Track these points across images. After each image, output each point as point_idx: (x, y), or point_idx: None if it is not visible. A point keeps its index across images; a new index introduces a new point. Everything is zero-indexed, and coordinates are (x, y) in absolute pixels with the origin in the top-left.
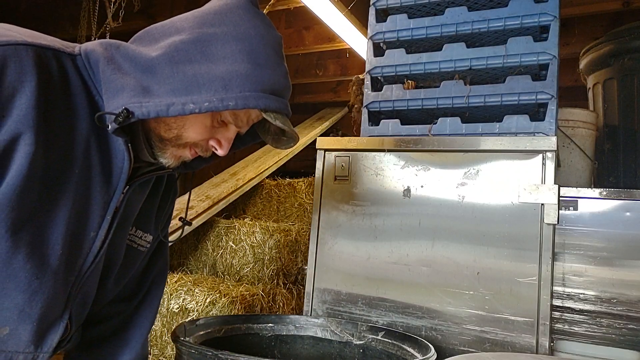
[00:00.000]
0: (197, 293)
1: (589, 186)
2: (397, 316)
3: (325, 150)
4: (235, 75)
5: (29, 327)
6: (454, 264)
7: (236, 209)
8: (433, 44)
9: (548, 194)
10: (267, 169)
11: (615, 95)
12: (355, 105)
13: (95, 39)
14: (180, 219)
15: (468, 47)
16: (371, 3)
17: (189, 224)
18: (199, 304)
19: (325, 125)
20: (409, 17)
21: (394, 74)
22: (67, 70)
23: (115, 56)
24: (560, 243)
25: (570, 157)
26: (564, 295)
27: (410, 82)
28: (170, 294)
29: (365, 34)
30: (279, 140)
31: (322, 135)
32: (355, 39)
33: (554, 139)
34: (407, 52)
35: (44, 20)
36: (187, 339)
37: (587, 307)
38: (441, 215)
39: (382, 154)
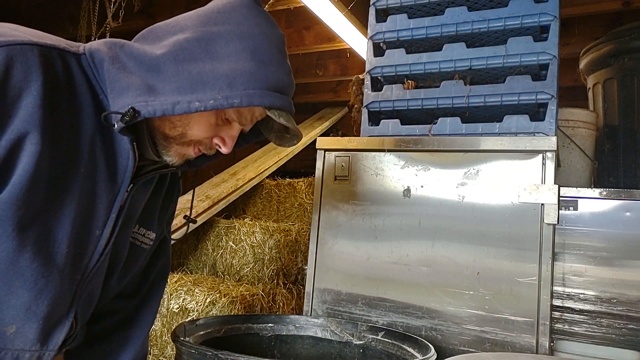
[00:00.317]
0: (197, 293)
1: (589, 186)
2: (397, 316)
3: (325, 150)
4: (240, 73)
5: (35, 326)
6: (454, 264)
7: (236, 209)
8: (433, 44)
9: (548, 194)
10: (267, 169)
11: (615, 95)
12: (355, 105)
13: (95, 39)
14: (185, 217)
15: (468, 47)
16: (371, 3)
17: (194, 221)
18: (199, 304)
19: (325, 125)
20: (409, 17)
21: (394, 74)
22: (72, 69)
23: (120, 55)
24: (560, 243)
25: (570, 157)
26: (564, 295)
27: (410, 82)
28: (170, 294)
29: (365, 34)
30: (282, 137)
31: (322, 135)
32: (355, 39)
33: (554, 139)
34: (407, 52)
35: (44, 20)
36: (187, 339)
37: (587, 307)
38: (441, 215)
39: (382, 154)
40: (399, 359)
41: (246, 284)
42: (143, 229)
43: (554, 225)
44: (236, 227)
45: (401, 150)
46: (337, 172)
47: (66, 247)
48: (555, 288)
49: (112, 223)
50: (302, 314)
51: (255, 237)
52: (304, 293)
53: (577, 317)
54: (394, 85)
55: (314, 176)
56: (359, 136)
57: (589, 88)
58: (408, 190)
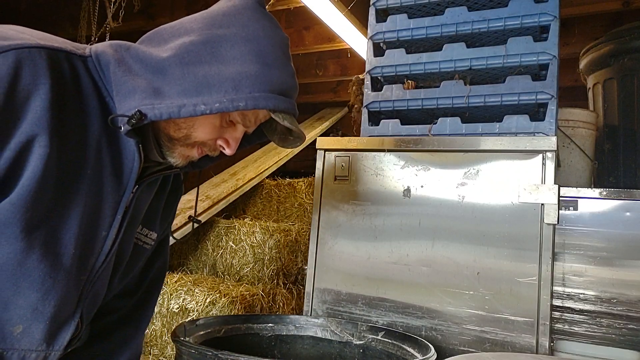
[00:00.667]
0: (197, 293)
1: (589, 186)
2: (397, 316)
3: (325, 150)
4: (245, 76)
5: (42, 326)
6: (454, 264)
7: (236, 209)
8: (433, 44)
9: (548, 194)
10: (267, 169)
11: (615, 95)
12: (355, 105)
13: (95, 39)
14: (190, 217)
15: (468, 47)
16: (371, 3)
17: (199, 222)
18: (199, 304)
19: (325, 125)
20: (409, 17)
21: (394, 74)
22: (78, 72)
23: (126, 57)
24: (560, 243)
25: (570, 157)
26: (564, 295)
27: (410, 82)
28: (170, 294)
29: (365, 34)
30: (285, 139)
31: (322, 135)
32: (355, 39)
33: (554, 139)
34: (407, 52)
35: (44, 20)
36: (187, 339)
37: (587, 307)
38: (441, 215)
39: (382, 154)
40: (399, 359)
41: (246, 284)
42: (146, 230)
43: (554, 225)
44: (236, 227)
45: (401, 150)
46: (337, 172)
47: (73, 248)
48: (555, 288)
49: (117, 224)
50: (302, 314)
51: (255, 237)
52: (304, 293)
53: (577, 317)
54: (394, 85)
55: (314, 176)
56: (359, 136)
57: (589, 88)
58: (408, 190)
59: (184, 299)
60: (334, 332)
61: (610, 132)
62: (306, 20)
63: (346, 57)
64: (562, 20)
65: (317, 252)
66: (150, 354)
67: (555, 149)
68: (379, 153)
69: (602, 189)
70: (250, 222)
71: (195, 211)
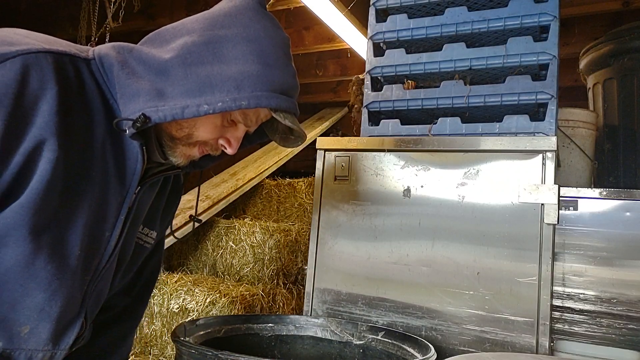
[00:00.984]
0: (197, 293)
1: (589, 186)
2: (397, 316)
3: (325, 150)
4: (247, 76)
5: (48, 326)
6: (454, 264)
7: (236, 209)
8: (433, 44)
9: (548, 194)
10: (267, 169)
11: (615, 95)
12: (355, 105)
13: (95, 39)
14: (190, 216)
15: (468, 47)
16: (371, 3)
17: (199, 221)
18: (199, 304)
19: (325, 125)
20: (409, 17)
21: (394, 74)
22: (83, 75)
23: (129, 60)
24: (560, 243)
25: (570, 157)
26: (564, 295)
27: (410, 82)
28: (170, 294)
29: (365, 34)
30: (286, 139)
31: (322, 135)
32: (355, 39)
33: (554, 139)
34: (407, 52)
35: (44, 20)
36: (187, 339)
37: (587, 307)
38: (441, 215)
39: (382, 154)
40: (399, 359)
41: (246, 284)
42: (147, 229)
43: (554, 225)
44: (236, 227)
45: (401, 150)
46: (337, 172)
47: (79, 250)
48: (555, 288)
49: (120, 225)
50: (302, 314)
51: (255, 237)
52: (304, 293)
53: (577, 317)
54: (394, 85)
55: (314, 176)
56: (359, 136)
57: (589, 88)
58: (408, 190)
59: (184, 299)
60: (334, 332)
61: (610, 132)
62: (306, 20)
63: (346, 57)
64: (562, 20)
65: (317, 252)
66: (150, 354)
67: (555, 149)
68: (379, 153)
69: (602, 189)
70: (250, 222)
71: (196, 211)
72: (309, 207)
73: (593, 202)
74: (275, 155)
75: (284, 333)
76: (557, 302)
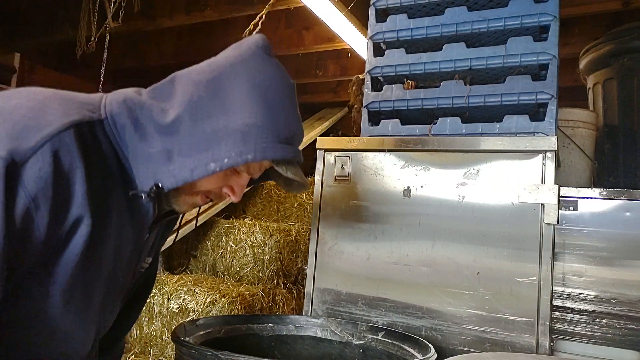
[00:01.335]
0: (197, 293)
1: (589, 186)
2: (397, 316)
3: (325, 150)
4: (252, 127)
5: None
6: (454, 264)
7: (236, 209)
8: (433, 44)
9: (548, 194)
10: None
11: (615, 95)
12: (355, 105)
13: (95, 39)
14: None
15: (468, 47)
16: (371, 3)
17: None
18: (199, 304)
19: (325, 125)
20: (409, 17)
21: (394, 74)
22: (99, 140)
23: (140, 118)
24: (560, 243)
25: (570, 157)
26: (564, 295)
27: (410, 82)
28: (170, 294)
29: (365, 34)
30: (290, 184)
31: (322, 135)
32: (355, 39)
33: (554, 139)
34: (407, 52)
35: (44, 20)
36: (187, 339)
37: (587, 307)
38: (441, 215)
39: (382, 154)
40: (399, 359)
41: (246, 284)
42: (146, 257)
43: (554, 225)
44: (236, 227)
45: (401, 150)
46: (337, 172)
47: (99, 302)
48: (555, 288)
49: (132, 268)
50: (302, 314)
51: (255, 237)
52: (304, 293)
53: (577, 317)
54: (394, 85)
55: (314, 176)
56: (359, 136)
57: (589, 88)
58: (408, 190)
59: (184, 299)
60: (334, 332)
61: (610, 132)
62: (306, 20)
63: (346, 57)
64: (562, 20)
65: (317, 252)
66: (150, 354)
67: (555, 149)
68: (379, 153)
69: (602, 189)
70: (250, 222)
71: (199, 211)
72: (309, 207)
73: (593, 202)
74: None
75: (284, 333)
76: (557, 302)
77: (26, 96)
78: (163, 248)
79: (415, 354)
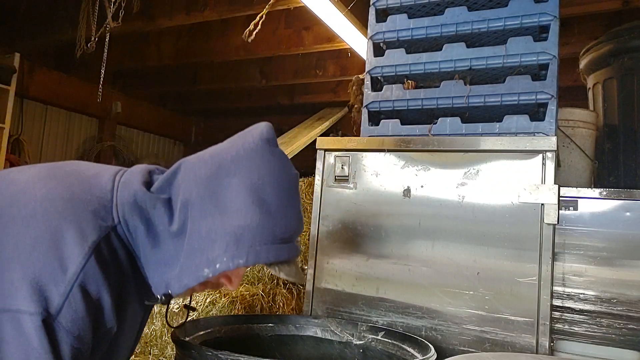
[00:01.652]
0: (197, 293)
1: (589, 186)
2: (397, 316)
3: (325, 150)
4: (247, 229)
5: None
6: (454, 264)
7: None
8: (433, 44)
9: (548, 194)
10: None
11: (615, 95)
12: (355, 105)
13: (95, 40)
14: (185, 306)
15: (468, 47)
16: (371, 3)
17: (193, 309)
18: (199, 304)
19: (325, 125)
20: (409, 17)
21: (394, 74)
22: (116, 250)
23: (150, 219)
24: (560, 243)
25: (570, 157)
26: (564, 295)
27: (410, 82)
28: None
29: (365, 34)
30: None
31: (322, 135)
32: (355, 39)
33: (554, 139)
34: (407, 52)
35: (44, 20)
36: (187, 339)
37: (587, 307)
38: (441, 215)
39: (382, 154)
40: (399, 359)
41: (246, 284)
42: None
43: (554, 225)
44: None
45: (401, 150)
46: (337, 172)
47: None
48: (555, 288)
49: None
50: (302, 314)
51: None
52: (304, 293)
53: (577, 317)
54: (394, 85)
55: (314, 176)
56: (359, 136)
57: (589, 88)
58: (408, 190)
59: (184, 299)
60: (334, 332)
61: (610, 131)
62: (306, 20)
63: (346, 57)
64: (562, 20)
65: (317, 252)
66: (150, 354)
67: (555, 149)
68: (379, 153)
69: (602, 189)
70: None
71: (190, 301)
72: (309, 207)
73: (593, 202)
74: None
75: (284, 333)
76: (557, 302)
77: (42, 218)
78: None
79: (415, 354)
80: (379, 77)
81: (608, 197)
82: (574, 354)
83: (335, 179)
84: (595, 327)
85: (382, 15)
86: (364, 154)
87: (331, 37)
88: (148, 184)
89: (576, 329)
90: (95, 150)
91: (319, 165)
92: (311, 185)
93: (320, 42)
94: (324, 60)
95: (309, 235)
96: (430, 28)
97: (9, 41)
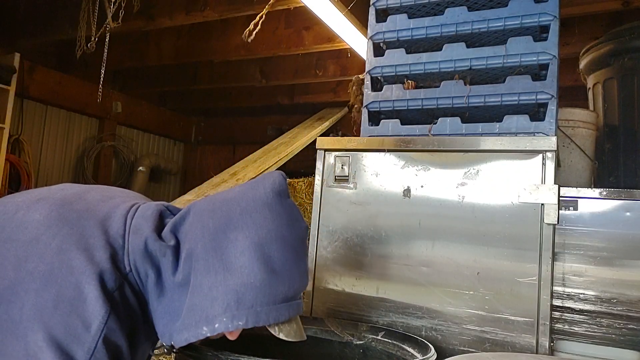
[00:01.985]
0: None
1: (589, 186)
2: (397, 316)
3: (325, 150)
4: (250, 288)
5: None
6: (454, 264)
7: None
8: (433, 44)
9: (548, 194)
10: (267, 169)
11: (615, 95)
12: (355, 105)
13: (95, 39)
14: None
15: (468, 47)
16: (371, 3)
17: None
18: None
19: (325, 125)
20: (409, 17)
21: (394, 74)
22: (127, 296)
23: (161, 268)
24: (560, 243)
25: (570, 157)
26: (564, 295)
27: (410, 82)
28: None
29: (365, 34)
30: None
31: (322, 135)
32: (355, 39)
33: (554, 139)
34: (407, 52)
35: (44, 20)
36: None
37: (587, 307)
38: (441, 215)
39: (382, 154)
40: (399, 359)
41: None
42: None
43: (554, 225)
44: None
45: (401, 150)
46: (337, 172)
47: None
48: (555, 288)
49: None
50: (302, 314)
51: None
52: (304, 293)
53: (577, 317)
54: (394, 85)
55: (314, 176)
56: (359, 136)
57: (589, 88)
58: (408, 190)
59: None
60: (334, 332)
61: (611, 132)
62: (306, 20)
63: (346, 57)
64: (562, 20)
65: (317, 252)
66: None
67: (555, 149)
68: (379, 153)
69: (602, 189)
70: None
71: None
72: (309, 207)
73: (593, 202)
74: (275, 156)
75: None
76: (557, 302)
77: (59, 273)
78: None
79: (415, 354)
80: (379, 77)
81: (608, 197)
82: (574, 354)
83: (335, 179)
84: (595, 327)
85: (382, 15)
86: (364, 154)
87: (331, 37)
88: (159, 229)
89: (576, 329)
90: (95, 150)
91: (319, 165)
92: (311, 185)
93: (320, 42)
94: (324, 60)
95: (309, 234)
96: (430, 28)
97: (9, 41)
